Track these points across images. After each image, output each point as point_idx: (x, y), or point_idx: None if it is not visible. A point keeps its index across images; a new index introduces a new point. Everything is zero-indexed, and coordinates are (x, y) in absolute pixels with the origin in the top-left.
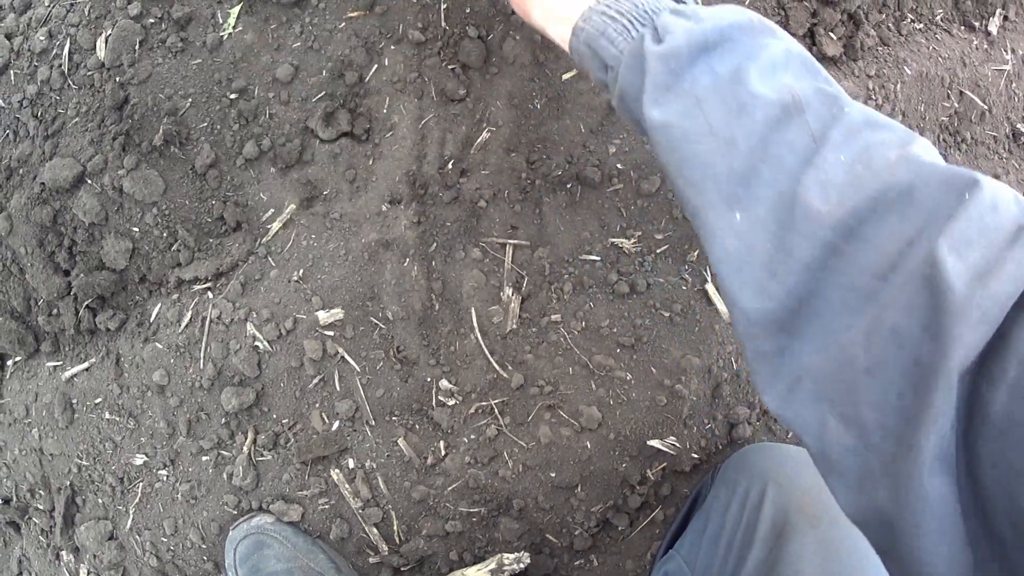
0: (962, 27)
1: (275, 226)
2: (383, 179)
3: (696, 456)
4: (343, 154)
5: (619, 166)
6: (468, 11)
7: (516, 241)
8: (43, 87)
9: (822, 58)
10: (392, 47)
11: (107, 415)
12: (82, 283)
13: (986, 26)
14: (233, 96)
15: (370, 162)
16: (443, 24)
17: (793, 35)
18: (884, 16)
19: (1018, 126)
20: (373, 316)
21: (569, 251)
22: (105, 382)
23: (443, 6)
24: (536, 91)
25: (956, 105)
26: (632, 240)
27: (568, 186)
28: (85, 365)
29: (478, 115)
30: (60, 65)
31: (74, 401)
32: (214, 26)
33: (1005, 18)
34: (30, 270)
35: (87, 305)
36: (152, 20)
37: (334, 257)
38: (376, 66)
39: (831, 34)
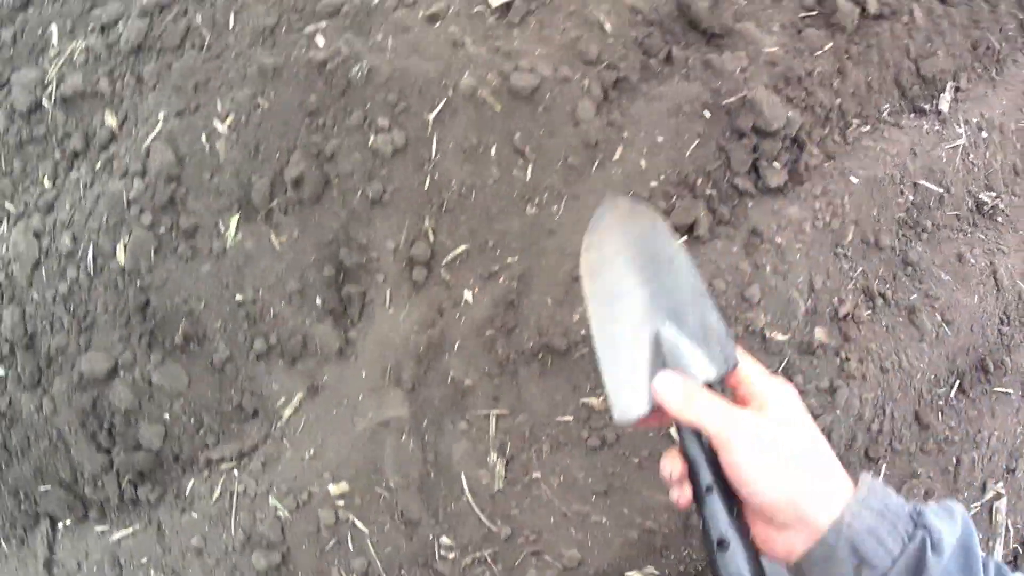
0: (912, 114)
1: (287, 412)
2: (377, 367)
3: None
4: (340, 346)
5: (582, 332)
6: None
7: (498, 411)
8: (73, 285)
9: (766, 191)
10: (380, 245)
11: (152, 572)
12: (122, 460)
13: (936, 105)
14: (240, 298)
15: (364, 352)
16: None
17: (735, 175)
18: (827, 130)
19: (980, 196)
20: (377, 486)
21: (545, 414)
22: (149, 544)
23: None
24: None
25: (911, 197)
26: (600, 398)
27: (540, 356)
28: (130, 530)
29: (455, 299)
30: (86, 267)
31: (122, 560)
32: (218, 235)
33: (957, 89)
34: (74, 447)
35: (128, 479)
36: (163, 229)
37: (340, 438)
38: (365, 259)
39: (774, 164)
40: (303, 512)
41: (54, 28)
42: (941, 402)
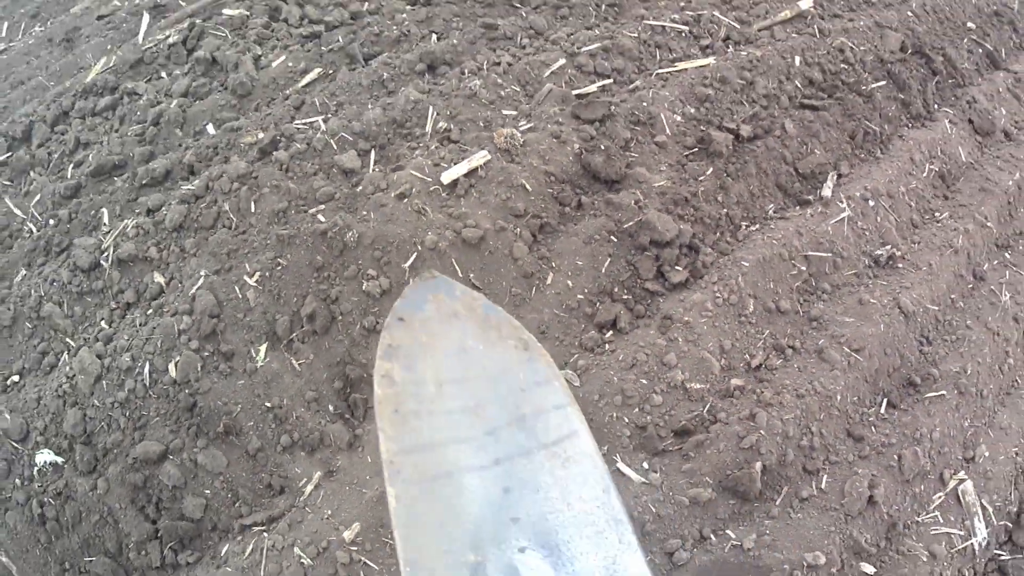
0: (797, 206)
1: (308, 488)
2: (378, 455)
3: None
4: (349, 440)
5: None
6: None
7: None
8: (130, 394)
9: (672, 287)
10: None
11: None
12: (167, 528)
13: (819, 194)
14: (269, 404)
15: (369, 444)
16: None
17: (644, 280)
18: (719, 234)
19: (875, 252)
20: (384, 536)
21: None
22: None
23: None
24: None
25: (804, 268)
26: None
27: None
28: None
29: None
30: (142, 380)
31: None
32: (250, 358)
33: (839, 176)
34: (123, 520)
35: (171, 546)
36: (207, 353)
37: (352, 503)
38: (365, 374)
39: (676, 267)
40: (323, 557)
41: (104, 211)
42: (872, 418)
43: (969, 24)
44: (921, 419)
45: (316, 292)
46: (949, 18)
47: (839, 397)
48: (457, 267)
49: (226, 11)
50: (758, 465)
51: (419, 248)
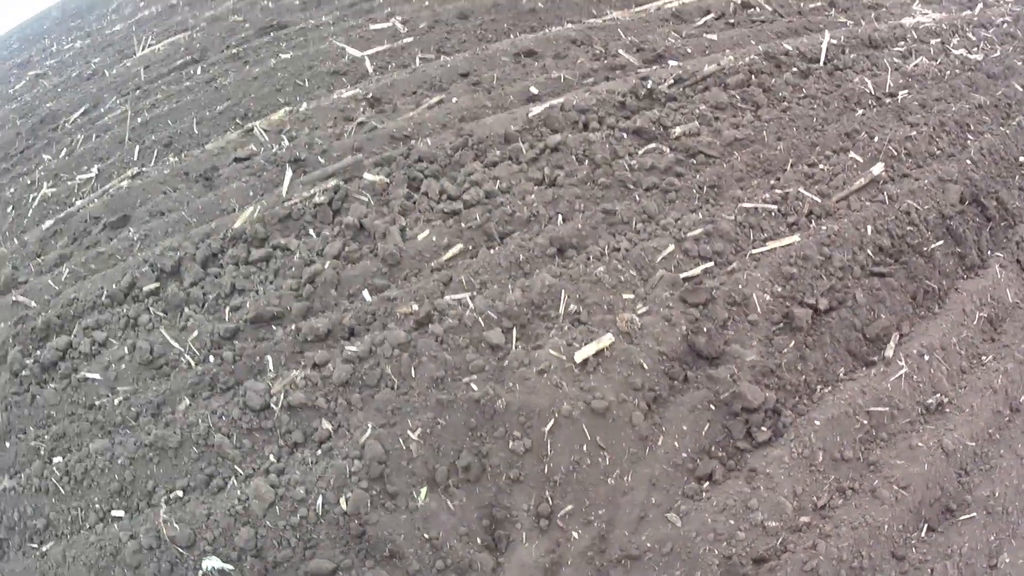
0: (863, 367)
1: None
2: None
3: None
4: (493, 567)
5: (648, 544)
6: None
7: None
8: (303, 520)
9: (758, 445)
10: (518, 507)
11: None
12: None
13: (883, 355)
14: (427, 536)
15: (510, 571)
16: None
17: (736, 440)
18: (798, 398)
19: (927, 402)
20: None
21: None
22: None
23: None
24: None
25: (866, 422)
26: None
27: (622, 561)
28: None
29: (567, 537)
30: (315, 510)
31: None
32: (412, 498)
33: (900, 335)
34: None
35: None
36: (375, 492)
37: None
38: (508, 515)
39: (761, 428)
40: None
41: (269, 359)
42: (913, 540)
43: (1021, 159)
44: (953, 538)
45: (470, 448)
46: (1004, 157)
47: (887, 527)
48: (586, 431)
49: (367, 176)
50: None
51: (556, 415)
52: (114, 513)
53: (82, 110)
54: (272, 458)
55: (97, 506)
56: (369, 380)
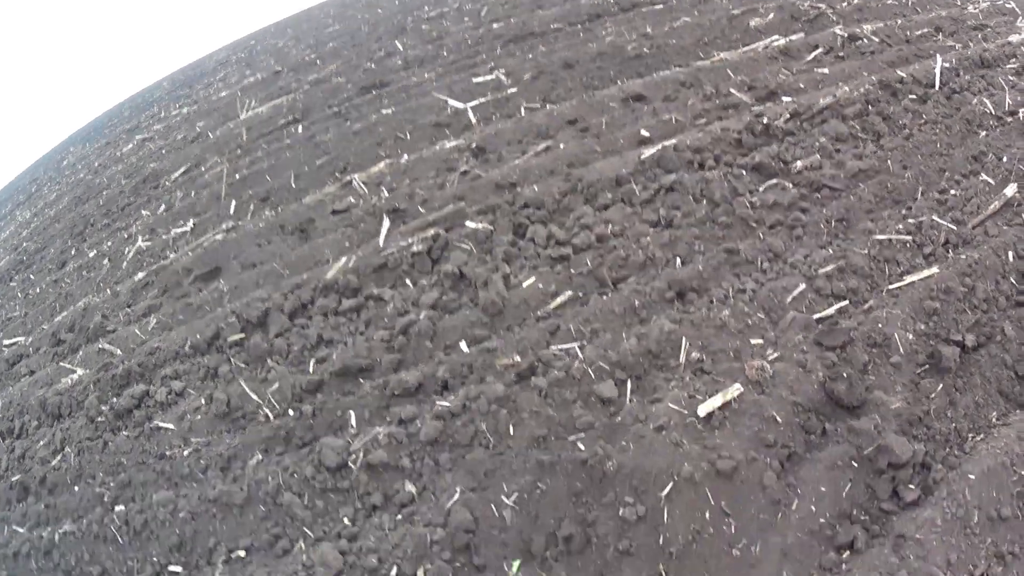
0: (1018, 410)
1: None
2: None
3: None
4: None
5: None
6: None
7: None
8: None
9: (905, 506)
10: None
11: None
12: None
13: None
14: None
15: None
16: None
17: (880, 501)
18: (948, 449)
19: None
20: None
21: None
22: None
23: None
24: None
25: (1023, 473)
26: None
27: None
28: None
29: None
30: None
31: None
32: (502, 572)
33: None
34: None
35: None
36: (458, 564)
37: None
38: None
39: (909, 486)
40: None
41: (352, 413)
42: None
43: None
44: None
45: (573, 516)
46: None
47: None
48: (710, 495)
49: (469, 224)
50: None
51: (675, 478)
52: (171, 568)
53: (183, 169)
54: (346, 521)
55: (155, 559)
56: (461, 439)
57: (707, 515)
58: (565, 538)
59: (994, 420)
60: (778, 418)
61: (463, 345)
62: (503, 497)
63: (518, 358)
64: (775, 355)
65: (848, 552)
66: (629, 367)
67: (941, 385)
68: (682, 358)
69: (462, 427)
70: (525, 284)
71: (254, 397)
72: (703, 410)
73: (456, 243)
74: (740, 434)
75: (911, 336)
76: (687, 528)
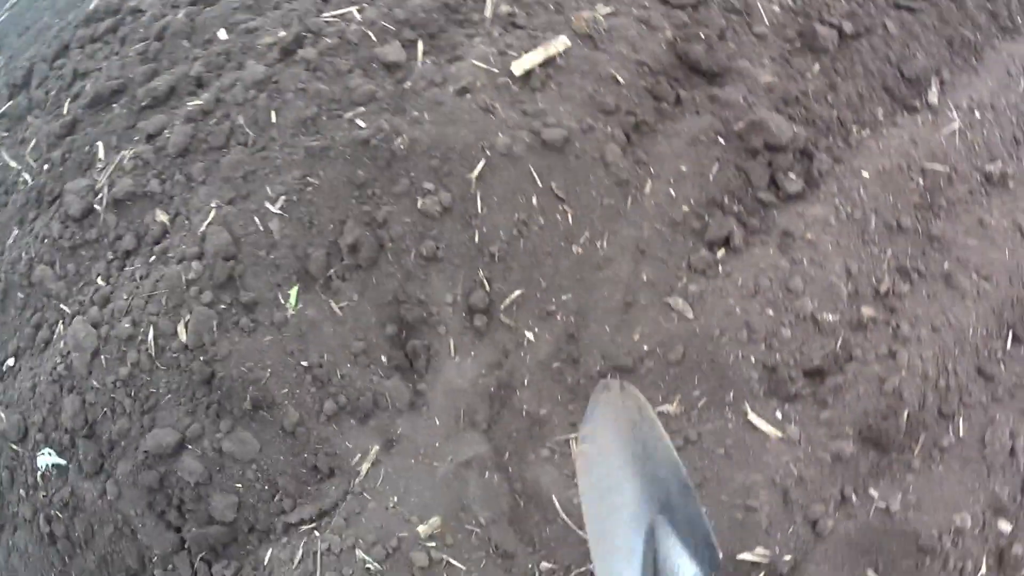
0: (904, 112)
1: (364, 467)
2: (450, 413)
3: (789, 558)
4: (410, 398)
5: (645, 348)
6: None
7: (575, 435)
8: (134, 369)
9: (787, 198)
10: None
11: None
12: (195, 537)
13: (926, 100)
14: (306, 364)
15: (435, 401)
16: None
17: (757, 189)
18: (831, 139)
19: (987, 168)
20: (468, 523)
21: None
22: None
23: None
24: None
25: (921, 181)
26: (674, 403)
27: (608, 376)
28: None
29: (517, 340)
30: (147, 349)
31: None
32: (279, 306)
33: (942, 82)
34: (142, 530)
35: (202, 557)
36: (223, 305)
37: (422, 483)
38: (425, 314)
39: (790, 174)
40: (394, 560)
41: (100, 144)
42: (1000, 354)
43: None
44: None
45: (358, 216)
46: None
47: (971, 331)
48: (536, 175)
49: None
50: (905, 413)
51: (488, 153)
52: None
53: None
54: (100, 281)
55: None
56: (214, 140)
57: (534, 201)
58: (350, 247)
59: (880, 117)
60: (619, 78)
61: (222, 33)
62: (268, 204)
63: (283, 33)
64: (608, 10)
65: (724, 250)
66: (420, 24)
67: (818, 65)
68: (488, 11)
69: (215, 126)
70: None
71: (13, 164)
72: (519, 67)
73: None
74: (570, 96)
75: (777, 8)
76: (509, 220)
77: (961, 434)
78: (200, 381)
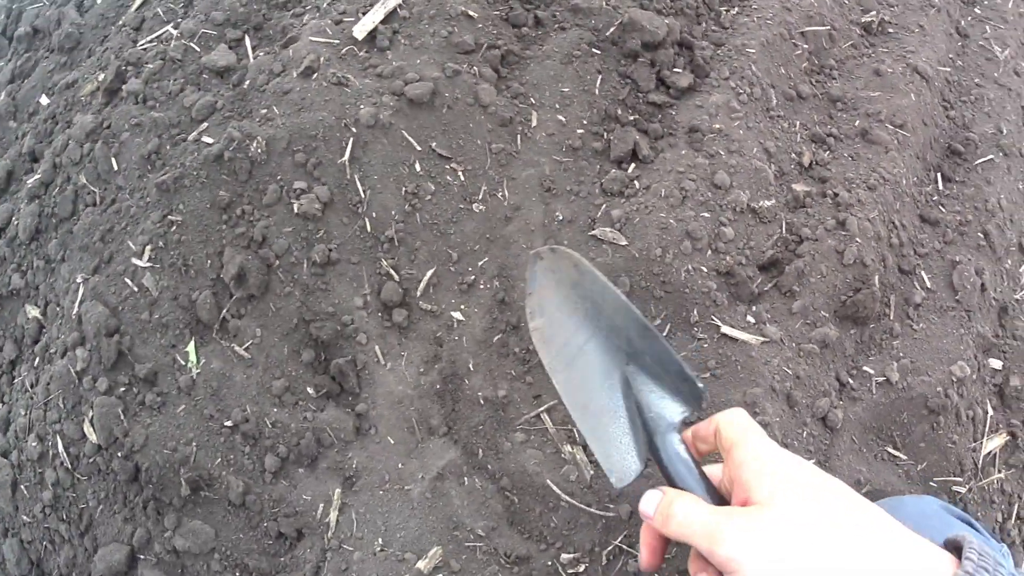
0: None
1: (332, 516)
2: (401, 426)
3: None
4: (354, 424)
5: None
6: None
7: (545, 405)
8: (56, 490)
9: (680, 94)
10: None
11: None
12: None
13: None
14: (230, 423)
15: (381, 418)
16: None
17: (647, 92)
18: (704, 24)
19: (863, 20)
20: (466, 541)
21: None
22: None
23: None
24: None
25: (805, 44)
26: None
27: None
28: None
29: (446, 324)
30: (62, 463)
31: None
32: (180, 369)
33: None
34: None
35: None
36: (123, 388)
37: (402, 513)
38: (338, 326)
39: (675, 69)
40: None
41: None
42: (936, 197)
43: None
44: (984, 188)
45: (234, 241)
46: None
47: (904, 181)
48: (412, 139)
49: None
50: (876, 279)
51: (354, 130)
52: None
53: None
54: None
55: None
56: (62, 210)
57: (418, 167)
58: (235, 278)
59: None
60: (470, 12)
61: (43, 99)
62: (134, 260)
63: (102, 76)
64: None
65: (634, 164)
66: (241, 20)
67: None
68: None
69: (59, 195)
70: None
71: None
72: (361, 30)
73: (28, 7)
74: (424, 46)
75: None
76: (398, 196)
77: (928, 285)
78: (126, 480)
